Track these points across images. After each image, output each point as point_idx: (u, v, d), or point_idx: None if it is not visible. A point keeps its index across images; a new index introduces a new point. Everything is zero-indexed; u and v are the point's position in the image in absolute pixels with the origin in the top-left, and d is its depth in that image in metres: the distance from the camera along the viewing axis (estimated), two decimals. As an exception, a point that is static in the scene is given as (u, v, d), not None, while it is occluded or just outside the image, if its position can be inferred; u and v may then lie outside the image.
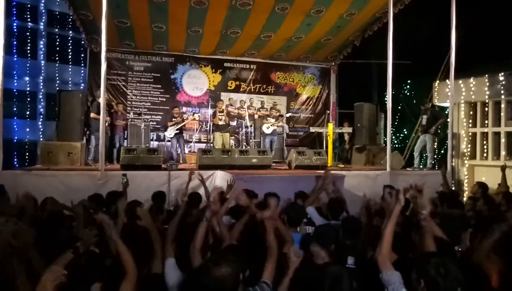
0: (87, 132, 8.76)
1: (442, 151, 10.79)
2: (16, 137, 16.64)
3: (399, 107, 13.78)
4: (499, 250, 2.53)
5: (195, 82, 11.87)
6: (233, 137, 10.33)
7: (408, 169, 8.63)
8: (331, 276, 1.97)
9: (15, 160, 15.97)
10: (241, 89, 12.27)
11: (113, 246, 2.32)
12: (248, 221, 2.96)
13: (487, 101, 8.88)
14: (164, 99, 11.54)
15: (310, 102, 12.88)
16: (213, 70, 12.01)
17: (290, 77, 12.72)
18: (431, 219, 2.51)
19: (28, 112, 17.32)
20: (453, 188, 7.87)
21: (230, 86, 12.22)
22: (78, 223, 3.20)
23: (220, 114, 9.80)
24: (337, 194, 4.67)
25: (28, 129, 17.13)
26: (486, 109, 8.96)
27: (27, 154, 16.51)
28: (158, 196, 4.71)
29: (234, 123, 10.95)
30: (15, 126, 16.74)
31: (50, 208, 3.71)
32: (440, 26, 9.41)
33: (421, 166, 8.83)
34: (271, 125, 10.25)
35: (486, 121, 8.95)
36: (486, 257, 2.50)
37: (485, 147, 8.99)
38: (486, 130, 8.94)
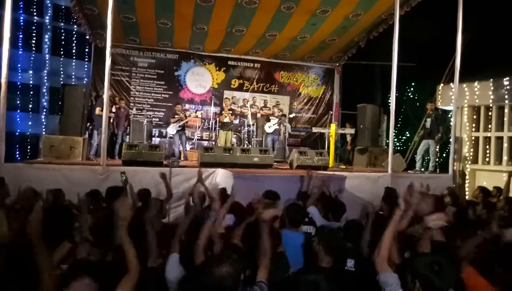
0: (90, 127, 8.78)
1: (444, 155, 10.76)
2: (18, 130, 16.68)
3: (402, 110, 13.74)
4: (477, 258, 2.54)
5: (199, 79, 11.88)
6: (235, 135, 10.34)
7: (409, 171, 8.62)
8: (307, 284, 1.93)
9: (17, 152, 16.02)
10: (244, 88, 12.27)
11: (118, 239, 2.34)
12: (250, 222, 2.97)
13: (491, 105, 8.84)
14: (167, 96, 11.56)
15: (313, 102, 12.87)
16: (217, 68, 12.02)
17: (294, 77, 12.71)
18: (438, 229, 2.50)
19: (31, 106, 17.37)
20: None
21: (234, 85, 12.22)
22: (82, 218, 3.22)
23: (227, 112, 9.89)
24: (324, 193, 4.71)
25: (30, 123, 17.18)
26: (490, 113, 8.92)
27: (29, 147, 16.57)
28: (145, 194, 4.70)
29: (236, 121, 10.95)
30: (18, 119, 16.79)
31: (55, 199, 3.72)
32: (446, 29, 9.38)
33: (422, 169, 8.81)
34: (273, 125, 10.26)
35: (489, 126, 8.91)
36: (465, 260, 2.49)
37: (487, 151, 8.96)
38: (489, 135, 8.90)
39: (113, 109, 8.76)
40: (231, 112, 9.95)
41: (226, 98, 10.63)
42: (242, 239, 2.78)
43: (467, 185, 9.02)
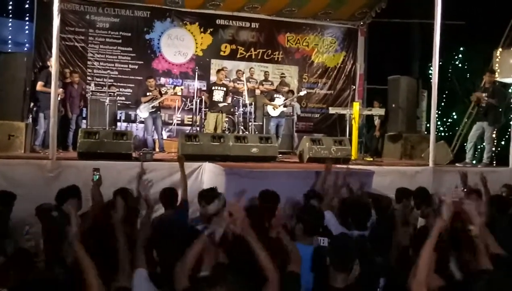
0: (34, 109, 8.77)
1: (503, 142, 10.79)
2: None
3: (448, 83, 13.72)
4: None
5: (178, 45, 11.82)
6: (227, 119, 10.33)
7: (458, 164, 8.66)
8: None
9: None
10: (238, 56, 12.23)
11: (71, 252, 2.39)
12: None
13: None
14: (136, 67, 11.51)
15: (330, 74, 12.84)
16: (202, 30, 11.95)
17: (304, 40, 12.65)
18: (485, 233, 2.56)
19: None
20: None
21: (224, 52, 12.17)
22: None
23: (219, 87, 9.83)
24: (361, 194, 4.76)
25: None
26: None
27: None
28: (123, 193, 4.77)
29: (228, 100, 10.95)
30: None
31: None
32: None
33: (474, 162, 8.83)
34: (279, 105, 10.20)
35: None
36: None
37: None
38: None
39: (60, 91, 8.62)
40: (224, 89, 9.90)
41: (220, 69, 10.57)
42: (228, 254, 2.79)
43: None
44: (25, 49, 12.26)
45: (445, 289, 2.31)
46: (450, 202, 2.42)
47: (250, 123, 10.43)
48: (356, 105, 9.48)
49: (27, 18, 14.96)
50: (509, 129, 8.77)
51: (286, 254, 2.87)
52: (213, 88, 9.87)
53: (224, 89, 9.87)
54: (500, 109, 8.72)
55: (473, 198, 2.93)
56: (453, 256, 2.87)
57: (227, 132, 9.87)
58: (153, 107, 9.50)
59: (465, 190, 5.09)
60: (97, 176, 4.63)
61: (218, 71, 10.38)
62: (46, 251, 2.92)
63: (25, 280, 2.46)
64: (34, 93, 8.61)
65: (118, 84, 11.31)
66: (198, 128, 10.17)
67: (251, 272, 2.49)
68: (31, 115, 8.77)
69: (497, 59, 9.83)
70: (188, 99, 11.27)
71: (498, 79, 9.57)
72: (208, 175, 6.83)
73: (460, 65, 14.28)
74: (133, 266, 2.57)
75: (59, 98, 8.35)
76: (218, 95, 9.75)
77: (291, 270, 2.77)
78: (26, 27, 14.76)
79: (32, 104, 8.71)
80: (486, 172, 7.87)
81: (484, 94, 8.53)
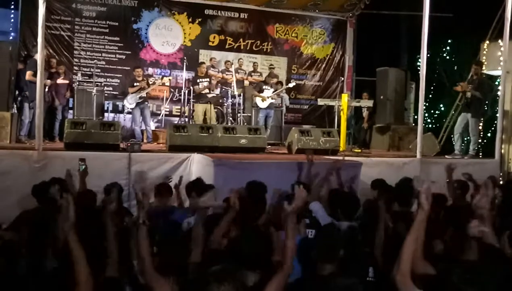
0: (19, 98, 8.69)
1: (490, 134, 10.91)
2: None
3: (436, 75, 13.82)
4: None
5: (166, 35, 11.75)
6: (215, 110, 10.32)
7: (447, 156, 8.72)
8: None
9: None
10: (226, 46, 12.18)
11: (61, 242, 2.38)
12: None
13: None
14: (124, 57, 11.42)
15: (319, 65, 12.85)
16: (190, 20, 11.88)
17: (293, 31, 12.64)
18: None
19: None
20: (501, 182, 8.00)
21: (212, 42, 12.12)
22: None
23: (203, 80, 9.89)
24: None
25: None
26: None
27: None
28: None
29: (217, 91, 10.94)
30: None
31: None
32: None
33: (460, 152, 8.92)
34: (267, 97, 10.22)
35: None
36: None
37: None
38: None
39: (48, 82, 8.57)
40: (208, 80, 9.93)
41: (201, 62, 10.56)
42: (229, 243, 2.80)
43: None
44: (10, 38, 12.09)
45: (430, 277, 2.33)
46: (428, 193, 2.40)
47: (238, 115, 10.41)
48: (345, 97, 9.51)
49: (12, 6, 14.73)
50: (495, 121, 8.85)
51: (272, 244, 2.88)
52: (198, 80, 10.01)
53: (208, 80, 10.01)
54: (487, 102, 8.80)
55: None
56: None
57: (215, 123, 9.86)
58: (140, 97, 9.48)
59: (448, 181, 5.18)
60: (83, 166, 4.63)
61: (200, 64, 10.44)
62: (32, 241, 2.90)
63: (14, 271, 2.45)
64: (19, 83, 8.53)
65: (105, 74, 11.22)
66: (186, 119, 10.15)
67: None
68: (16, 105, 8.69)
69: (485, 52, 9.91)
70: (176, 90, 11.23)
71: (485, 71, 9.66)
72: (196, 166, 6.83)
73: (448, 57, 14.37)
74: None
75: (46, 89, 8.30)
76: (203, 87, 9.94)
77: (277, 260, 2.78)
78: (11, 15, 14.54)
79: (17, 93, 8.65)
80: (472, 163, 8.03)
81: (469, 86, 8.59)
